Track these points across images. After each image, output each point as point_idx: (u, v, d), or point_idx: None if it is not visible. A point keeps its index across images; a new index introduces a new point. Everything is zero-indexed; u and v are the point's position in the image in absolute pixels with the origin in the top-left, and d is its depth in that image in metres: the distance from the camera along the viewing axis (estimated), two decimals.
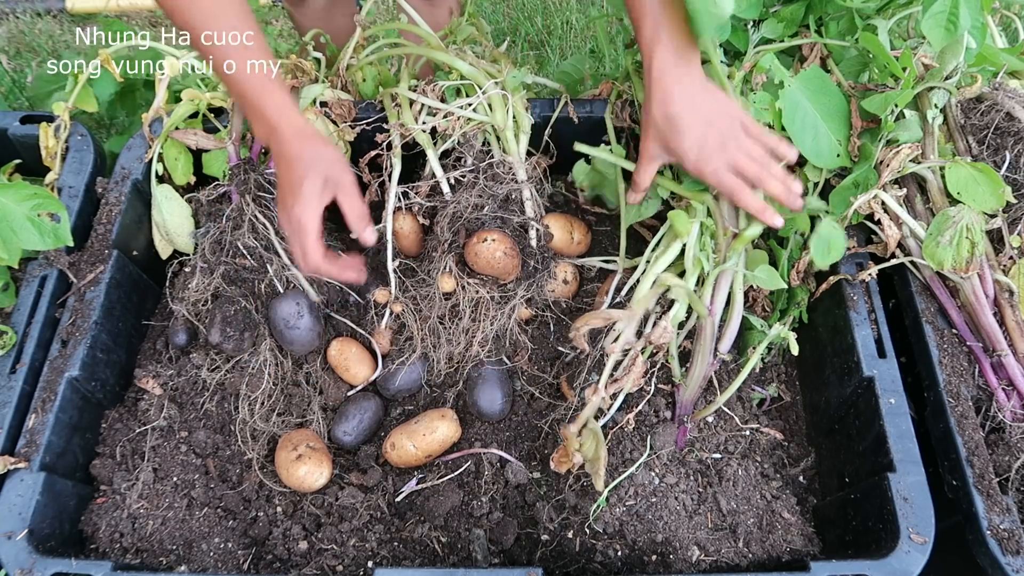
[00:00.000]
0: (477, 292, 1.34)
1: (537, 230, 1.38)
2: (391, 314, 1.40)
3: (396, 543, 1.24)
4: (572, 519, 1.18)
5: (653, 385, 1.24)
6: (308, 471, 1.24)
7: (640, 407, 1.21)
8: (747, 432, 1.27)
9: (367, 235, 1.20)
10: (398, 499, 1.29)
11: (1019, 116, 1.35)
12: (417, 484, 1.30)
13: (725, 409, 1.27)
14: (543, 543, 1.21)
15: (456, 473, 1.30)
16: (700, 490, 1.19)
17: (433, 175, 1.41)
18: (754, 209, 1.17)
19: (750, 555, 1.15)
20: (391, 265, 1.40)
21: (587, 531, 1.16)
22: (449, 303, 1.36)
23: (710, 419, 1.25)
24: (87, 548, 1.19)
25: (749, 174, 1.16)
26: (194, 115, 1.47)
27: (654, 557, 1.13)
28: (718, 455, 1.22)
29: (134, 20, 2.73)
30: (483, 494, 1.28)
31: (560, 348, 1.42)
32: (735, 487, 1.20)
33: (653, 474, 1.17)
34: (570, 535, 1.18)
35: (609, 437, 1.18)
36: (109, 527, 1.19)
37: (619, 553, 1.14)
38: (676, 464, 1.20)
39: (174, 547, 1.20)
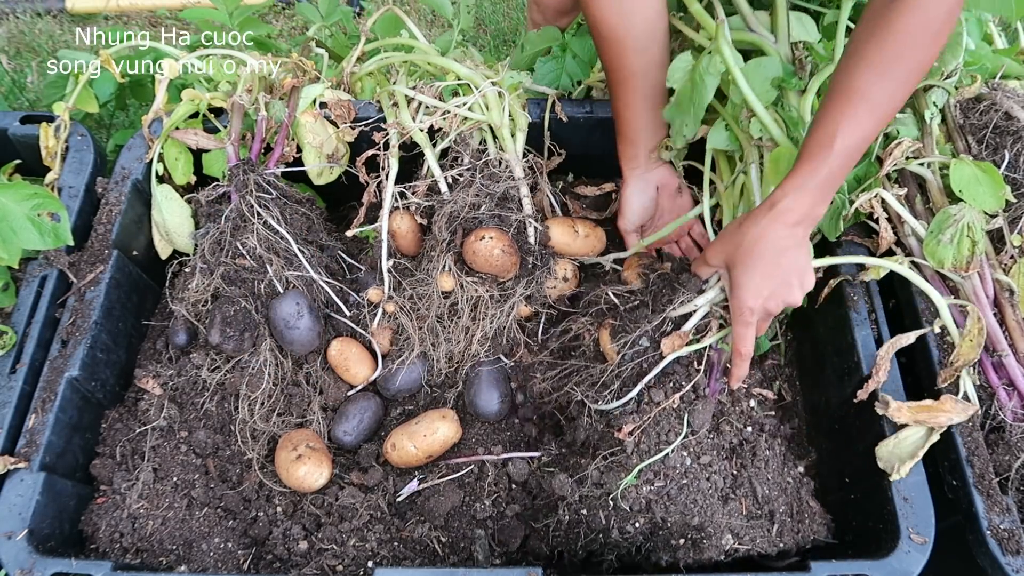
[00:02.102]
0: (476, 291, 1.34)
1: (535, 228, 1.38)
2: (383, 313, 1.40)
3: (396, 543, 1.24)
4: (594, 493, 1.15)
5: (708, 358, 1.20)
6: (308, 471, 1.24)
7: (682, 383, 1.18)
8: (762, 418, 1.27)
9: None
10: (399, 499, 1.29)
11: (1017, 115, 1.36)
12: (419, 485, 1.30)
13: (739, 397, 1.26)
14: (561, 524, 1.17)
15: (458, 475, 1.30)
16: (734, 472, 1.17)
17: (431, 174, 1.41)
18: (744, 354, 1.14)
19: (782, 544, 1.15)
20: (385, 264, 1.40)
21: (611, 507, 1.13)
22: (448, 302, 1.36)
23: (748, 405, 1.25)
24: (87, 548, 1.19)
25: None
26: (194, 115, 1.47)
27: (683, 540, 1.12)
28: (750, 429, 1.21)
29: (134, 20, 2.73)
30: (486, 496, 1.28)
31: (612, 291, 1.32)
32: (766, 468, 1.18)
33: (686, 454, 1.14)
34: (586, 512, 1.14)
35: (652, 415, 1.14)
36: (109, 527, 1.19)
37: (641, 529, 1.11)
38: (711, 438, 1.17)
39: (174, 547, 1.20)
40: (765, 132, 1.25)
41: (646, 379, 1.16)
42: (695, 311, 1.19)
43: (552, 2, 1.56)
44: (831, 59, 1.29)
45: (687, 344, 1.18)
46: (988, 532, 1.09)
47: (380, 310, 1.40)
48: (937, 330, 1.21)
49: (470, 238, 1.31)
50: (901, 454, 1.14)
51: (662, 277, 1.27)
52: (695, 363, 1.19)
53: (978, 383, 1.22)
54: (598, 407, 1.19)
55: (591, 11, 1.22)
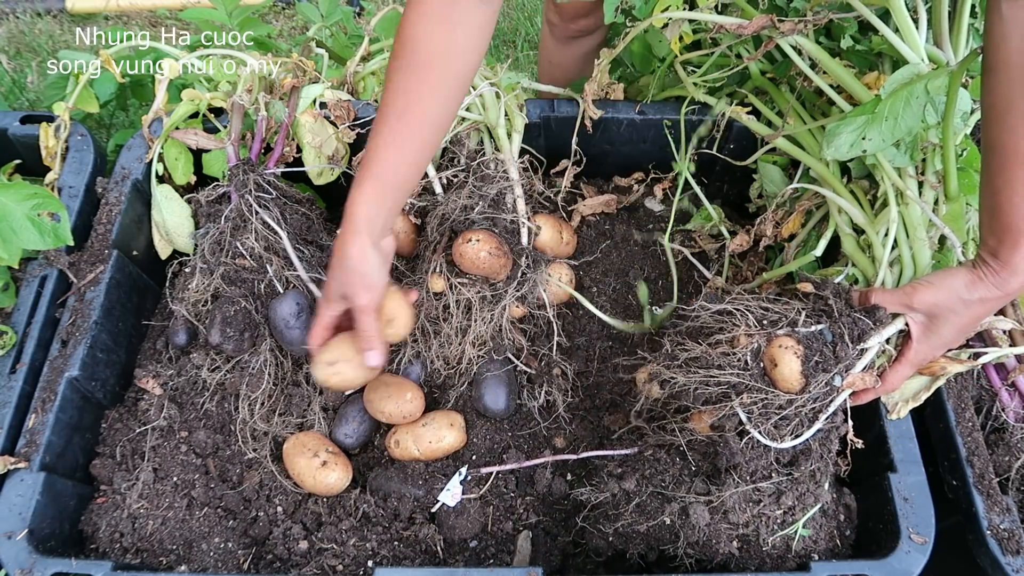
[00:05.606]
0: (465, 293, 1.32)
1: (529, 228, 1.37)
2: None
3: (396, 543, 1.24)
4: (724, 524, 1.07)
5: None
6: (339, 477, 1.24)
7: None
8: None
9: (371, 359, 1.16)
10: (433, 509, 1.26)
11: None
12: (453, 500, 1.25)
13: None
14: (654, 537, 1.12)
15: (483, 491, 1.27)
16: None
17: (425, 175, 1.41)
18: (890, 391, 1.13)
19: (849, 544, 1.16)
20: None
21: (733, 538, 1.08)
22: (441, 303, 1.35)
23: None
24: (87, 548, 1.19)
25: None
26: (194, 115, 1.47)
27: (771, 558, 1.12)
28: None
29: (134, 20, 2.73)
30: (521, 507, 1.28)
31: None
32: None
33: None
34: (713, 541, 1.07)
35: (828, 462, 1.09)
36: (109, 527, 1.19)
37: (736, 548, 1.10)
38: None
39: (174, 547, 1.20)
40: (942, 168, 1.15)
41: (824, 417, 1.05)
42: (871, 348, 1.08)
43: (569, 5, 1.55)
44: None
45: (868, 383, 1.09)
46: (988, 532, 1.09)
47: None
48: None
49: (458, 240, 1.29)
50: (904, 393, 1.16)
51: (848, 307, 1.11)
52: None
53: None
54: (779, 445, 1.04)
55: (418, 32, 1.01)
